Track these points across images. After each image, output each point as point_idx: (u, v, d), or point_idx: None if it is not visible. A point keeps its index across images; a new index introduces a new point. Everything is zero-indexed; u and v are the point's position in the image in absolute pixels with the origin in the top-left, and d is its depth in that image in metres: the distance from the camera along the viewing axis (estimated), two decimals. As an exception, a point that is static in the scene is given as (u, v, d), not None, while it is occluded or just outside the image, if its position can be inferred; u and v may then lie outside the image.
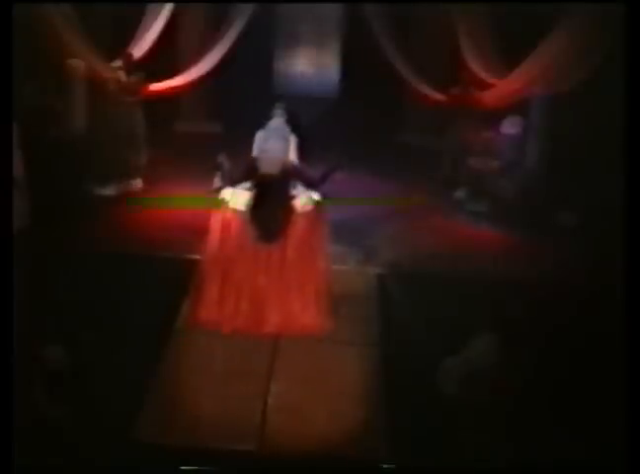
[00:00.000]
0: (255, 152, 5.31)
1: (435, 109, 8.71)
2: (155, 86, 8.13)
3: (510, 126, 7.46)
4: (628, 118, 3.41)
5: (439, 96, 8.57)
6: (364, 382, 4.46)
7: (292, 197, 4.83)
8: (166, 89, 8.34)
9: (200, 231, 6.49)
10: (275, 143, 4.98)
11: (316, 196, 4.90)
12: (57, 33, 6.88)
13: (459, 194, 7.65)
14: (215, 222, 4.93)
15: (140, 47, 7.99)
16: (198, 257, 5.92)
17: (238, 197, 4.83)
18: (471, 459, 3.73)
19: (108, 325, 4.63)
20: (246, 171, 4.93)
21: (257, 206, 4.74)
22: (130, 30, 8.02)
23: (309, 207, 4.86)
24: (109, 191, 7.36)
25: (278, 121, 5.83)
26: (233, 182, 4.89)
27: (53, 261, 5.41)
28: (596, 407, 4.01)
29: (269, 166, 4.78)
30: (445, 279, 5.65)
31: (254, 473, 3.80)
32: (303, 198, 4.85)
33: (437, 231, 6.88)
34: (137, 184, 7.65)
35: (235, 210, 4.84)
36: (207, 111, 9.82)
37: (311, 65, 10.20)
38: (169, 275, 5.54)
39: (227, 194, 4.88)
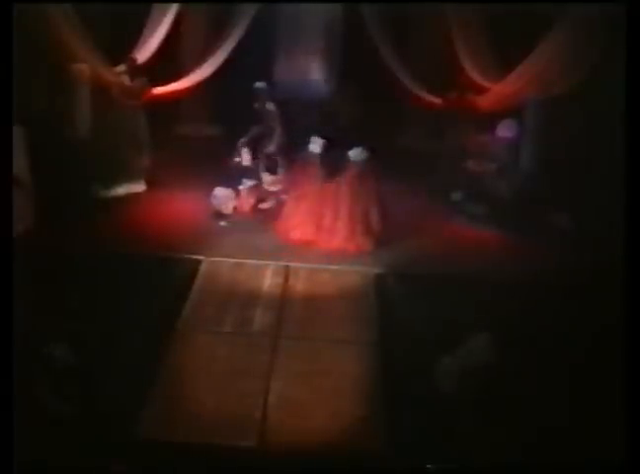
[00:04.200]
0: None
1: (432, 112, 8.76)
2: (158, 90, 8.17)
3: (506, 129, 7.50)
4: (626, 119, 3.43)
5: (436, 100, 8.61)
6: (363, 380, 4.50)
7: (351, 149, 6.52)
8: (169, 93, 8.37)
9: (200, 231, 6.63)
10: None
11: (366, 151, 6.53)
12: (62, 36, 6.91)
13: (456, 195, 7.69)
14: (300, 161, 6.74)
15: (144, 52, 8.03)
16: (198, 257, 6.00)
17: (315, 143, 6.60)
18: (469, 457, 3.75)
19: (109, 324, 4.67)
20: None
21: (325, 152, 6.57)
22: (134, 34, 8.06)
23: (360, 158, 6.47)
24: (111, 192, 7.41)
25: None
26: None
27: (56, 261, 5.46)
28: (595, 406, 4.05)
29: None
30: (443, 280, 5.70)
31: (254, 469, 3.82)
32: (355, 151, 6.46)
33: (434, 232, 6.94)
34: (140, 185, 7.71)
35: (312, 153, 6.61)
36: (209, 114, 9.86)
37: (311, 68, 10.22)
38: (169, 275, 5.61)
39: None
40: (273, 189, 7.36)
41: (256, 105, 7.60)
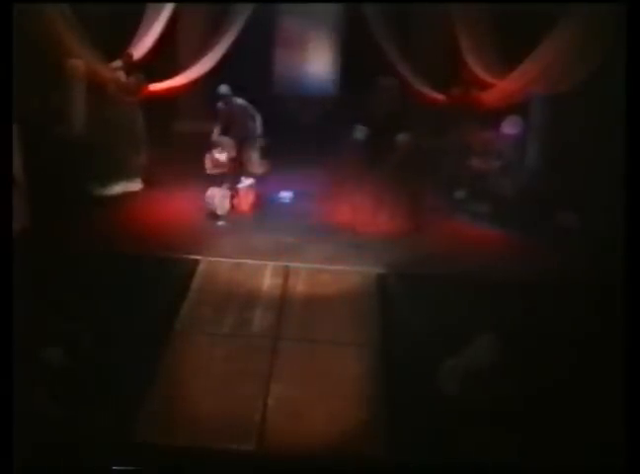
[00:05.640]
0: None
1: (436, 109, 8.70)
2: (155, 86, 8.12)
3: (510, 126, 7.44)
4: (628, 117, 3.40)
5: (439, 96, 8.56)
6: (364, 382, 4.46)
7: (397, 135, 6.73)
8: (165, 89, 8.33)
9: (198, 231, 6.59)
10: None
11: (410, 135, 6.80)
12: (57, 32, 6.87)
13: (459, 194, 7.64)
14: (347, 147, 6.91)
15: (140, 48, 7.98)
16: (196, 257, 5.95)
17: (359, 131, 6.79)
18: (471, 459, 3.72)
19: (108, 325, 4.63)
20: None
21: (370, 140, 6.76)
22: (130, 30, 8.01)
23: (406, 142, 6.71)
24: (108, 191, 7.35)
25: None
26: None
27: (53, 261, 5.41)
28: (596, 407, 4.01)
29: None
30: (446, 279, 5.64)
31: (253, 473, 3.79)
32: (401, 136, 6.71)
33: (437, 231, 6.88)
34: (136, 184, 7.64)
35: (356, 140, 6.81)
36: (207, 110, 9.79)
37: (311, 65, 10.18)
38: (169, 275, 5.56)
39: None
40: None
41: (220, 105, 7.48)
